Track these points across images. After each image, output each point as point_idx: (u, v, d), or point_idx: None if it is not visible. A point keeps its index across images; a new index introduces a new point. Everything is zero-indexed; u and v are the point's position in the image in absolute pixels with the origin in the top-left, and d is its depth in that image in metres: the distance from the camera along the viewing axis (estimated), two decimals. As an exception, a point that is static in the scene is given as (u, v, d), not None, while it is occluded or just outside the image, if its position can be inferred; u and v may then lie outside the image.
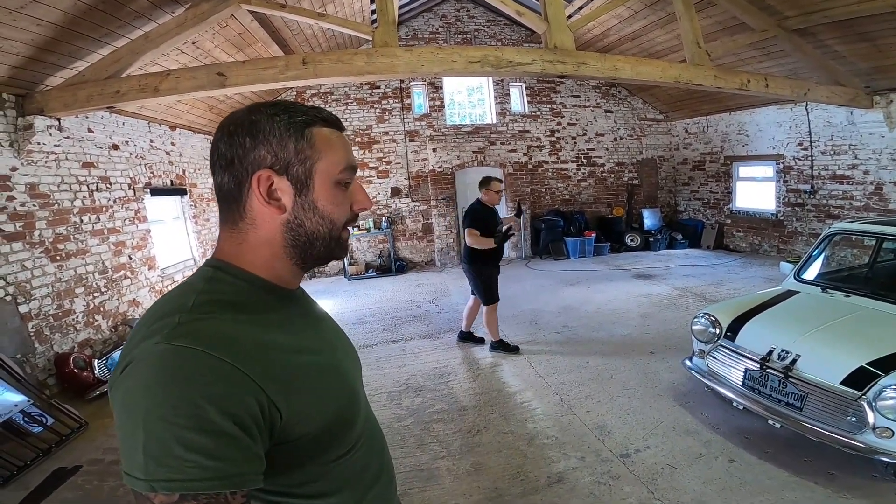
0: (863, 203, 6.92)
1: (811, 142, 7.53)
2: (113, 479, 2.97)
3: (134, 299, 5.40)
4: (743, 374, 2.88)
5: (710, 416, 3.22)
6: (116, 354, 4.55)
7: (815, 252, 3.66)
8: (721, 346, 3.09)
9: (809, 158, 7.61)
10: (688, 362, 3.41)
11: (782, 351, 2.68)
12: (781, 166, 8.14)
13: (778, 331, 2.87)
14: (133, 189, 5.55)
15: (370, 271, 8.85)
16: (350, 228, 0.83)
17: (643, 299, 6.20)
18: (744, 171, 9.12)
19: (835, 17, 5.13)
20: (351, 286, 8.12)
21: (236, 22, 5.13)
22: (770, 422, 2.66)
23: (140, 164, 5.75)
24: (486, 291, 4.50)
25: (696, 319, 3.33)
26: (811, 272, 3.61)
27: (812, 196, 7.66)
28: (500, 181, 4.45)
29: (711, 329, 3.17)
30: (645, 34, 7.44)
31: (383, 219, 8.97)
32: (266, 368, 0.65)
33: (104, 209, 5.02)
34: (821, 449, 2.57)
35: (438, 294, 7.19)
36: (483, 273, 4.46)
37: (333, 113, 0.82)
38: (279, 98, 8.34)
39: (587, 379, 3.96)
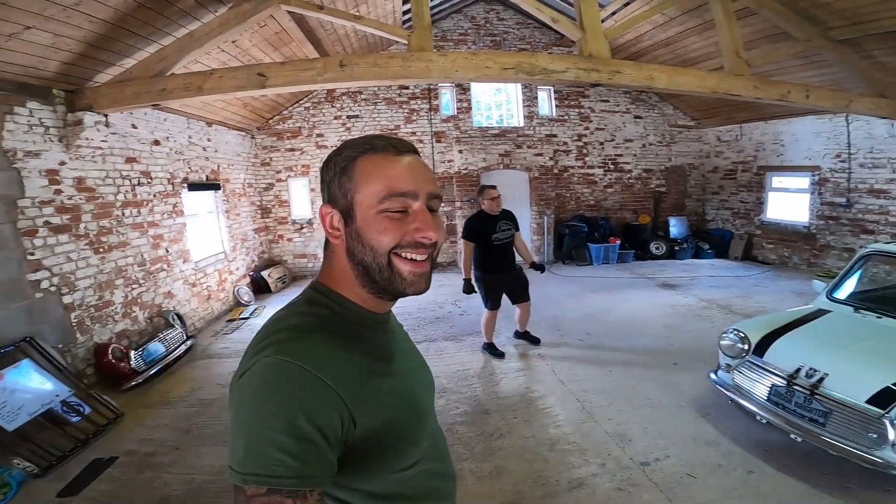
0: (901, 218, 6.71)
1: (850, 154, 7.32)
2: (149, 471, 3.05)
3: (169, 291, 5.62)
4: (769, 389, 2.87)
5: (731, 428, 3.21)
6: (152, 345, 4.72)
7: (851, 271, 3.60)
8: (749, 361, 3.08)
9: (847, 171, 7.40)
10: (713, 375, 3.40)
11: (810, 369, 2.68)
12: (817, 178, 7.93)
13: (807, 350, 2.87)
14: (172, 184, 5.78)
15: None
16: (412, 257, 0.80)
17: (667, 309, 6.15)
18: (777, 181, 8.91)
19: (885, 28, 4.99)
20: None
21: (274, 21, 5.29)
22: (792, 436, 2.67)
23: (179, 160, 5.98)
24: (486, 297, 4.61)
25: (724, 335, 3.32)
26: (844, 291, 3.55)
27: (847, 210, 7.45)
28: (494, 187, 4.56)
29: (740, 345, 3.16)
30: (680, 41, 7.34)
31: (408, 219, 9.06)
32: (350, 386, 0.74)
33: (144, 203, 5.24)
34: (839, 463, 2.58)
35: (461, 295, 7.19)
36: (484, 280, 4.57)
37: (402, 138, 0.88)
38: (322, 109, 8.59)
39: (609, 387, 3.97)
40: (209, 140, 6.88)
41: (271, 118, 8.74)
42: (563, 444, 3.18)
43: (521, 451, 3.12)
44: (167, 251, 5.63)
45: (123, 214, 4.89)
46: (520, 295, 4.73)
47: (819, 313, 3.34)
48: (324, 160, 0.87)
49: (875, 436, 2.33)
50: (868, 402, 2.37)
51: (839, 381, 2.54)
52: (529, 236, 9.48)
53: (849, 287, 3.59)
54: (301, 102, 8.80)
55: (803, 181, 8.29)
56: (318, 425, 0.68)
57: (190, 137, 6.30)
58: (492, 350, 4.83)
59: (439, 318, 6.17)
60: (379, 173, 0.79)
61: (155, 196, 5.44)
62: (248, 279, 7.90)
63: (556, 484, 2.76)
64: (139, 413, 3.87)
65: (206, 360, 5.11)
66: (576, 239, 9.26)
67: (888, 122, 6.53)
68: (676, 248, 9.44)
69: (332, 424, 0.70)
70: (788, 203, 8.69)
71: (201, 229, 6.73)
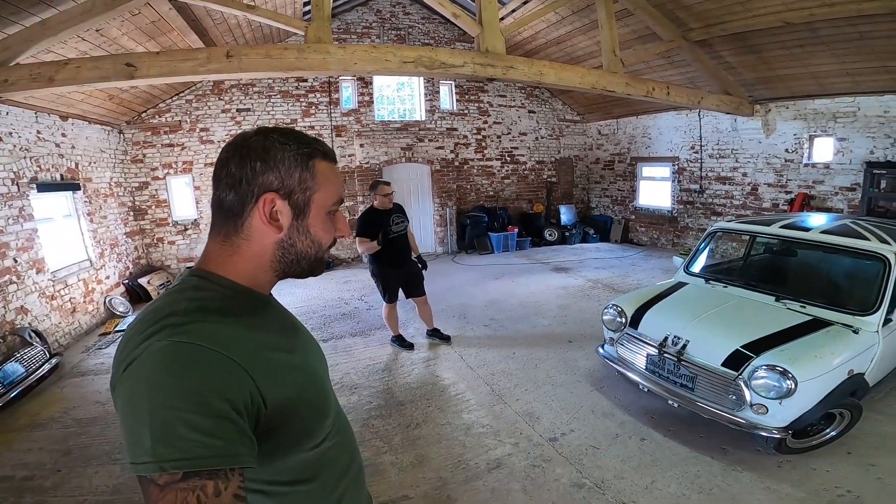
0: (741, 202, 7.98)
1: (701, 146, 8.50)
2: (31, 495, 2.78)
3: (22, 306, 4.82)
4: (646, 359, 3.27)
5: (621, 398, 3.61)
6: (8, 367, 4.08)
7: (701, 247, 4.19)
8: (627, 334, 3.47)
9: (699, 161, 8.59)
10: (600, 350, 3.78)
11: (675, 337, 3.08)
12: (676, 167, 9.10)
13: (671, 319, 3.28)
14: (17, 184, 4.91)
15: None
16: (328, 251, 0.93)
17: (561, 291, 6.68)
18: (646, 171, 10.06)
19: (731, 30, 5.81)
20: (277, 285, 7.80)
21: (151, 10, 4.70)
22: (669, 402, 3.06)
23: (25, 158, 5.10)
24: (383, 291, 4.65)
25: (605, 310, 3.70)
26: (697, 265, 4.12)
27: (700, 195, 8.67)
28: (388, 184, 4.54)
29: (619, 319, 3.54)
30: (569, 39, 7.91)
31: (308, 214, 8.71)
32: (254, 363, 0.73)
33: (-19, 207, 4.40)
34: (712, 426, 2.99)
35: (367, 291, 7.16)
36: (379, 274, 4.60)
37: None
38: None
39: (514, 369, 4.23)
40: (64, 135, 5.96)
41: (144, 111, 7.79)
42: (478, 427, 3.34)
43: (438, 439, 3.22)
44: (15, 261, 4.80)
45: (-47, 221, 4.07)
46: (415, 289, 4.75)
47: (678, 286, 3.84)
48: (244, 146, 0.83)
49: (734, 397, 2.70)
50: (723, 364, 2.76)
51: (699, 346, 2.94)
52: (432, 228, 9.65)
53: (701, 262, 4.17)
54: (182, 95, 7.96)
55: (666, 170, 9.47)
56: (232, 402, 0.66)
57: (39, 133, 5.39)
58: (400, 342, 4.86)
59: (345, 314, 6.06)
60: (334, 179, 0.89)
61: (-5, 199, 4.59)
62: (122, 288, 7.03)
63: (476, 467, 2.90)
64: (6, 437, 3.45)
65: (77, 377, 4.58)
66: (477, 229, 9.63)
67: (732, 117, 7.69)
68: (567, 234, 10.25)
69: (244, 399, 0.68)
70: (655, 190, 9.87)
71: (58, 235, 5.85)
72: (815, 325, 2.88)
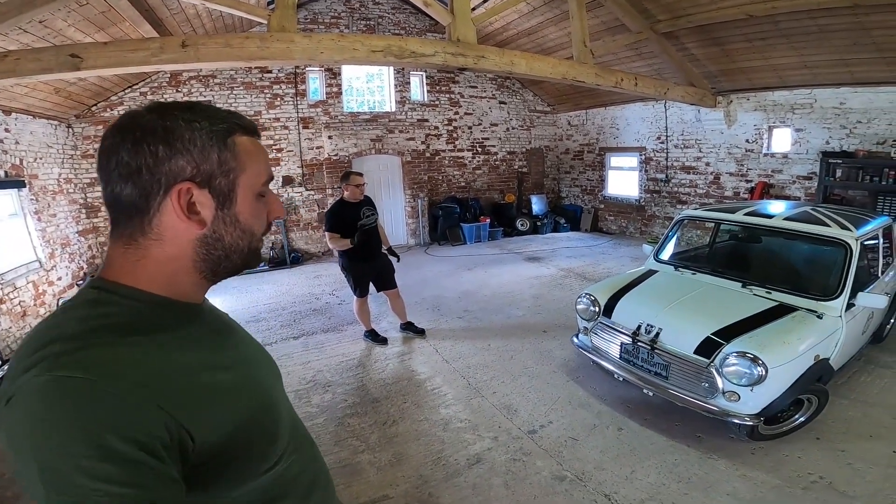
0: (704, 191, 8.20)
1: (667, 136, 8.68)
2: None
3: (-37, 312, 4.47)
4: (620, 348, 3.29)
5: (597, 388, 3.65)
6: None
7: (669, 235, 4.25)
8: (601, 322, 3.49)
9: (665, 151, 8.77)
10: (575, 339, 3.80)
11: (648, 325, 3.11)
12: (643, 157, 9.27)
13: (643, 307, 3.30)
14: (-47, 179, 4.54)
15: (262, 265, 8.31)
16: (263, 238, 0.82)
17: (534, 281, 6.71)
18: (614, 160, 10.21)
19: (696, 22, 5.92)
20: (241, 282, 7.55)
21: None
22: (645, 391, 3.09)
23: (-39, 150, 4.71)
24: (354, 285, 4.55)
25: (579, 299, 3.70)
26: (666, 253, 4.18)
27: (666, 184, 8.87)
28: (360, 175, 4.43)
29: (592, 308, 3.56)
30: (540, 30, 7.88)
31: (275, 208, 8.44)
32: (171, 391, 0.62)
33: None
34: (686, 414, 3.04)
35: (338, 285, 7.00)
36: (350, 268, 4.49)
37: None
38: (155, 93, 7.37)
39: (490, 361, 4.22)
40: (7, 130, 5.59)
41: (95, 105, 7.33)
42: (456, 422, 3.30)
43: (416, 435, 3.17)
44: (-46, 263, 4.44)
45: None
46: (386, 282, 4.65)
47: (649, 273, 3.88)
48: (135, 128, 0.66)
49: (707, 385, 2.74)
50: (695, 352, 2.80)
51: (671, 334, 2.98)
52: (404, 220, 9.53)
53: (669, 249, 4.24)
54: (136, 87, 7.53)
55: (633, 160, 9.63)
56: (140, 442, 0.56)
57: (-24, 126, 5.00)
58: (373, 336, 4.77)
59: (317, 310, 5.91)
60: (259, 155, 0.76)
61: (-73, 194, 4.22)
62: (76, 290, 6.65)
63: (456, 463, 2.86)
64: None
65: None
66: (449, 220, 9.57)
67: (695, 108, 7.87)
68: (538, 223, 10.32)
69: (161, 438, 0.58)
70: (623, 180, 10.03)
71: (3, 235, 5.48)
72: (781, 310, 2.96)
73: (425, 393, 3.75)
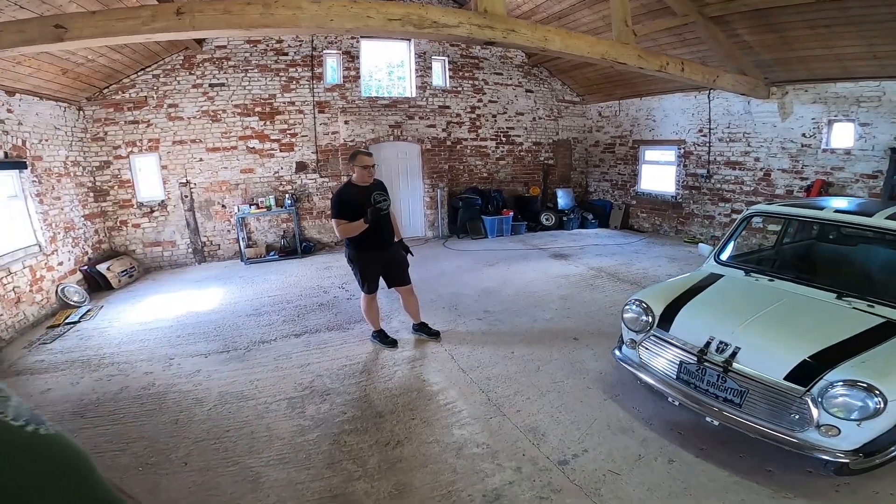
0: (752, 188, 7.46)
1: (710, 129, 7.95)
2: None
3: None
4: (678, 367, 2.71)
5: (640, 409, 3.07)
6: None
7: (735, 233, 3.64)
8: (654, 335, 2.91)
9: (707, 144, 8.04)
10: (617, 353, 3.23)
11: (721, 343, 2.53)
12: (682, 151, 8.55)
13: (713, 320, 2.72)
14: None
15: (272, 254, 7.91)
16: None
17: (561, 280, 6.13)
18: (649, 154, 9.50)
19: (753, 6, 5.26)
20: (248, 271, 7.18)
21: None
22: (707, 418, 2.51)
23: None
24: (361, 279, 4.03)
25: (627, 307, 3.12)
26: (728, 254, 3.58)
27: (707, 180, 8.14)
28: (370, 154, 3.92)
29: (644, 317, 2.98)
30: (572, 13, 7.24)
31: (287, 196, 8.03)
32: None
33: None
34: (753, 444, 2.47)
35: (348, 278, 6.52)
36: (357, 258, 3.96)
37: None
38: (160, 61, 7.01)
39: (514, 372, 3.67)
40: (10, 111, 5.33)
41: (106, 87, 7.02)
42: (472, 446, 2.78)
43: (423, 461, 2.66)
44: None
45: None
46: (398, 277, 4.13)
47: (712, 278, 3.27)
48: None
49: (797, 416, 2.18)
50: (787, 378, 2.22)
51: (752, 355, 2.39)
52: (422, 210, 9.03)
53: (730, 249, 3.62)
54: (148, 69, 7.20)
55: (671, 154, 8.91)
56: None
57: (-25, 106, 4.69)
58: (382, 338, 4.27)
59: (323, 304, 5.45)
60: None
61: None
62: (80, 275, 6.36)
63: (470, 499, 2.34)
64: None
65: (12, 377, 3.96)
66: (470, 212, 9.03)
67: (744, 99, 7.14)
68: (564, 218, 9.69)
69: None
70: (658, 175, 9.32)
71: (1, 218, 5.20)
72: (890, 329, 2.34)
73: (437, 408, 3.23)
